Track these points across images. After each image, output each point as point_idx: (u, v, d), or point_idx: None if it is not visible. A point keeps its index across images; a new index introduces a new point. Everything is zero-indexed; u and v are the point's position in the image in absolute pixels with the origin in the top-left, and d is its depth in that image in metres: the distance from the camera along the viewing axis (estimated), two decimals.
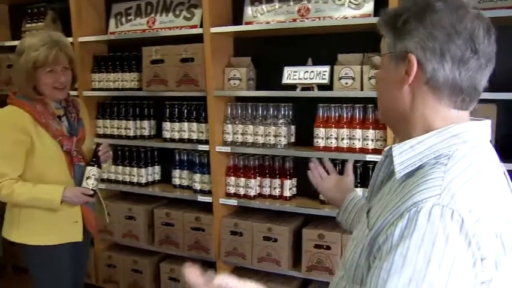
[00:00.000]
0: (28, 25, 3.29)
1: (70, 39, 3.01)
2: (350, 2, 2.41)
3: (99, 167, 2.10)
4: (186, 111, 2.85)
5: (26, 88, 1.95)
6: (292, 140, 2.67)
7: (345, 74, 2.37)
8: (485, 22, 0.88)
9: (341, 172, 1.53)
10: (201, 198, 2.83)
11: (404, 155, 0.90)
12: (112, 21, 3.14)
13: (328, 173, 1.53)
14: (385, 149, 0.98)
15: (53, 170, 2.00)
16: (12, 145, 1.93)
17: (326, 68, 2.45)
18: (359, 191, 2.40)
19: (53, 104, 2.04)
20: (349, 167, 1.49)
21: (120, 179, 3.15)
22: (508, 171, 0.95)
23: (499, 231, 0.79)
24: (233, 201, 2.74)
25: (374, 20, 2.26)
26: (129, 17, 3.08)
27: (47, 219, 2.00)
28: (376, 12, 2.33)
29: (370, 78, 2.31)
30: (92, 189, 2.04)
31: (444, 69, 0.86)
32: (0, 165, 1.92)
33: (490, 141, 0.94)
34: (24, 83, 1.94)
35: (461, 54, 0.86)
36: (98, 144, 2.16)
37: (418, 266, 0.74)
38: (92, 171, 2.05)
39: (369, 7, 2.36)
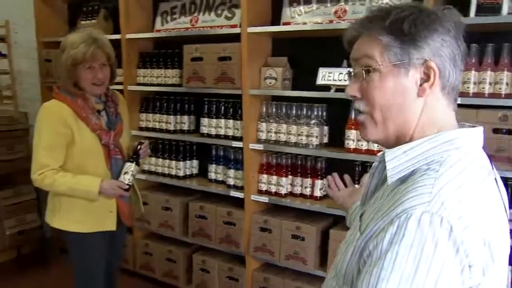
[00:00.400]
0: (83, 22, 3.49)
1: (118, 36, 3.19)
2: (386, 4, 2.38)
3: (138, 164, 2.20)
4: (223, 108, 2.93)
5: (68, 83, 2.07)
6: (325, 140, 2.68)
7: None
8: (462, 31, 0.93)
9: None
10: (233, 193, 2.90)
11: (397, 160, 0.90)
12: (158, 19, 3.27)
13: (345, 186, 1.57)
14: (379, 154, 0.98)
15: (91, 161, 2.11)
16: (54, 137, 2.03)
17: None
18: None
19: (93, 98, 2.14)
20: (365, 178, 1.53)
21: (160, 171, 3.28)
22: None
23: (487, 238, 0.80)
24: (264, 198, 2.79)
25: None
26: (174, 16, 3.20)
27: (85, 208, 2.11)
28: None
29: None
30: (127, 184, 2.14)
31: (455, 73, 0.90)
32: (43, 156, 2.04)
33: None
34: (65, 78, 2.06)
35: (461, 58, 0.91)
36: (140, 143, 2.24)
37: (407, 272, 0.76)
38: (130, 167, 2.15)
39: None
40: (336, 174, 1.61)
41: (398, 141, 0.94)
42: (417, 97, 0.90)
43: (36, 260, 3.72)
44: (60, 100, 2.08)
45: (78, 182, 2.05)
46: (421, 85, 0.89)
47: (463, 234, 0.77)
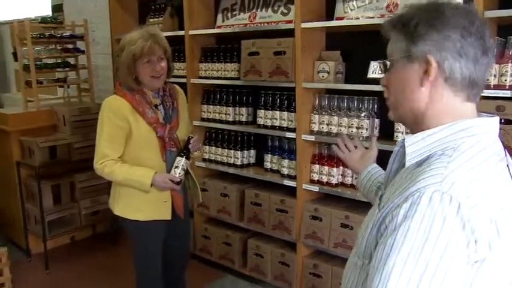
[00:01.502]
0: (151, 20, 3.75)
1: (182, 33, 3.42)
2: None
3: (188, 158, 2.28)
4: (278, 100, 3.06)
5: (128, 79, 2.20)
6: (376, 133, 2.73)
7: None
8: (488, 26, 0.99)
9: None
10: (286, 182, 3.03)
11: (415, 146, 1.00)
12: (219, 16, 3.46)
13: (355, 147, 1.69)
14: (399, 139, 1.08)
15: (147, 153, 2.24)
16: (114, 130, 2.19)
17: None
18: None
19: (150, 94, 2.27)
20: (374, 140, 1.68)
21: (219, 159, 3.48)
22: None
23: (494, 216, 0.87)
24: (315, 188, 2.89)
25: None
26: (234, 12, 3.36)
27: (141, 197, 2.25)
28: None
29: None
30: (179, 178, 2.24)
31: (461, 66, 0.96)
32: (103, 147, 2.20)
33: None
34: (126, 74, 2.19)
35: (474, 52, 0.96)
36: (190, 137, 2.32)
37: (416, 244, 0.84)
38: (180, 161, 2.25)
39: (458, 1, 2.31)
40: (345, 136, 1.74)
41: (415, 126, 1.04)
42: (420, 87, 0.99)
43: (109, 238, 4.07)
44: (120, 95, 2.23)
45: (133, 173, 2.20)
46: (422, 77, 0.99)
47: (470, 212, 0.84)
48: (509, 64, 2.13)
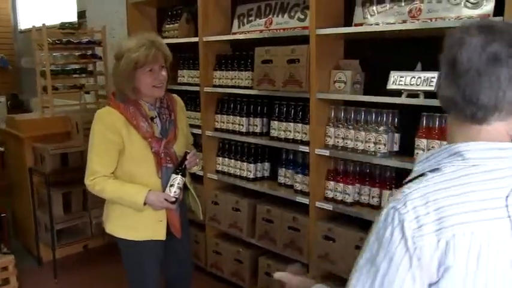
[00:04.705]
0: (167, 26, 3.66)
1: (196, 39, 3.29)
2: (467, 1, 2.17)
3: (184, 175, 2.13)
4: (292, 111, 2.88)
5: (126, 88, 2.05)
6: (395, 148, 2.51)
7: None
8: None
9: None
10: (299, 199, 2.84)
11: (418, 164, 1.01)
12: (235, 22, 3.32)
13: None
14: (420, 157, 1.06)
15: (141, 169, 2.10)
16: (105, 144, 2.06)
17: (434, 75, 2.24)
18: None
19: (146, 106, 2.13)
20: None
21: (232, 172, 3.32)
22: None
23: (444, 240, 0.86)
24: (329, 206, 2.69)
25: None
26: (250, 18, 3.22)
27: (135, 216, 2.12)
28: (496, 12, 2.06)
29: None
30: (174, 197, 2.10)
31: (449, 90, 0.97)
32: (94, 163, 2.08)
33: None
34: (125, 84, 2.04)
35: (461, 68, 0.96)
36: (187, 153, 2.17)
37: (373, 251, 0.92)
38: (176, 179, 2.10)
39: (489, 6, 2.09)
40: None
41: None
42: None
43: None
44: (113, 107, 2.09)
45: (125, 191, 2.07)
46: None
47: (414, 232, 0.88)
48: None
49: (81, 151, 3.62)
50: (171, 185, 2.10)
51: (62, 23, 4.13)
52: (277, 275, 1.27)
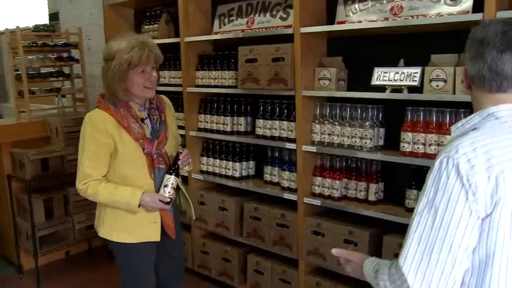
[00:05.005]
0: (146, 27, 3.63)
1: (178, 39, 3.28)
2: None
3: (177, 175, 2.13)
4: (277, 109, 2.91)
5: (118, 89, 2.02)
6: (381, 143, 2.57)
7: (436, 76, 2.22)
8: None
9: None
10: (287, 195, 2.87)
11: (455, 131, 1.25)
12: (216, 22, 3.32)
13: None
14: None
15: (134, 171, 2.08)
16: (97, 147, 2.03)
17: (417, 70, 2.32)
18: None
19: (136, 107, 2.11)
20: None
21: (217, 171, 3.33)
22: None
23: (494, 176, 1.08)
24: (317, 201, 2.73)
25: (472, 17, 2.09)
26: (231, 18, 3.23)
27: (128, 218, 2.10)
28: (475, 8, 2.13)
29: (463, 81, 2.13)
30: (168, 197, 2.10)
31: (476, 67, 1.22)
32: (86, 166, 2.04)
33: None
34: (116, 85, 2.01)
35: (486, 49, 1.23)
36: (179, 153, 2.16)
37: (430, 197, 1.13)
38: (169, 180, 2.09)
39: (468, 3, 2.17)
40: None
41: None
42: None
43: (106, 253, 3.91)
44: (103, 109, 2.06)
45: (119, 193, 2.05)
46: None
47: (469, 171, 1.08)
48: None
49: (62, 156, 3.56)
50: (165, 186, 2.10)
51: (36, 25, 4.03)
52: (334, 250, 1.50)
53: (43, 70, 3.95)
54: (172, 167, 2.13)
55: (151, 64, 2.08)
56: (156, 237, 2.18)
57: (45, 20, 5.60)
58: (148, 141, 2.09)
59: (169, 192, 2.10)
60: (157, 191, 2.12)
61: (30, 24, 4.90)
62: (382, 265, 1.27)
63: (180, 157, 2.15)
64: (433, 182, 1.12)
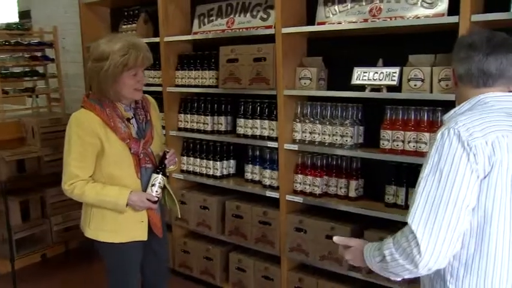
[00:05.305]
0: (124, 26, 3.60)
1: (157, 39, 3.28)
2: (423, 1, 2.33)
3: (164, 174, 2.14)
4: (258, 108, 2.95)
5: (109, 91, 2.02)
6: (361, 140, 2.65)
7: (414, 75, 2.30)
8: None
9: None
10: (269, 193, 2.92)
11: (448, 117, 1.42)
12: (196, 22, 3.33)
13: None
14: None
15: (121, 171, 2.08)
16: (83, 148, 2.02)
17: (396, 70, 2.40)
18: None
19: (122, 107, 2.10)
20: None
21: (198, 170, 3.34)
22: None
23: (490, 141, 1.25)
24: (299, 199, 2.79)
25: (448, 19, 2.18)
26: (211, 18, 3.25)
27: (115, 218, 2.10)
28: (451, 11, 2.23)
29: (440, 80, 2.23)
30: (156, 196, 2.11)
31: (463, 67, 1.41)
32: (72, 166, 2.03)
33: None
34: (108, 86, 2.01)
35: (474, 52, 1.43)
36: (166, 152, 2.17)
37: (434, 162, 1.27)
38: (157, 179, 2.10)
39: (443, 6, 2.26)
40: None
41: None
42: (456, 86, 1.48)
43: (83, 255, 3.87)
44: (88, 109, 2.05)
45: (107, 193, 2.05)
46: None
47: (468, 137, 1.25)
48: None
49: (39, 157, 3.50)
50: (153, 185, 2.11)
51: (8, 23, 3.94)
52: (336, 238, 1.58)
53: (16, 69, 3.87)
54: (160, 166, 2.14)
55: (144, 66, 2.09)
56: (144, 236, 2.18)
57: (14, 18, 5.47)
58: (134, 140, 2.09)
59: (156, 192, 2.11)
60: (144, 190, 2.13)
61: (2, 22, 4.81)
62: (385, 241, 1.36)
63: (167, 156, 2.16)
64: (437, 149, 1.27)
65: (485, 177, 1.24)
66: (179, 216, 2.48)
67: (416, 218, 1.25)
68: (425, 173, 1.27)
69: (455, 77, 1.44)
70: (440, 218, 1.23)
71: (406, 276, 1.35)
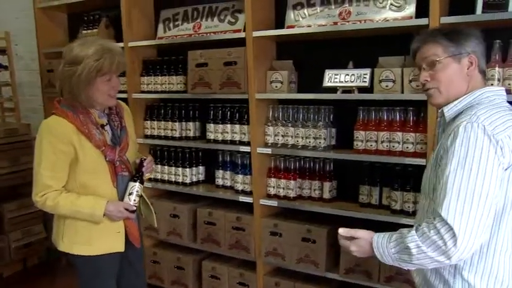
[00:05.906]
0: (84, 32, 3.48)
1: (121, 44, 3.18)
2: (391, 4, 2.40)
3: (142, 182, 2.08)
4: (229, 113, 2.92)
5: (81, 96, 1.94)
6: (333, 142, 2.68)
7: (386, 76, 2.36)
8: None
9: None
10: (242, 198, 2.89)
11: (451, 109, 1.48)
12: (160, 27, 3.27)
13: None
14: (439, 112, 1.54)
15: (96, 180, 2.00)
16: (56, 156, 1.93)
17: (367, 71, 2.45)
18: (398, 194, 2.38)
19: (96, 113, 2.03)
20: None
21: (166, 178, 3.26)
22: None
23: (509, 135, 1.34)
24: (273, 202, 2.78)
25: (415, 22, 2.25)
26: (177, 22, 3.20)
27: (90, 230, 2.02)
28: (418, 14, 2.30)
29: (410, 81, 2.29)
30: (134, 205, 2.05)
31: (483, 62, 1.52)
32: (44, 177, 1.94)
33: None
34: (81, 91, 1.93)
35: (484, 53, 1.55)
36: (143, 159, 2.12)
37: (461, 156, 1.32)
38: (134, 187, 2.05)
39: (411, 9, 2.34)
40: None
41: (454, 100, 1.49)
42: (466, 76, 1.48)
43: (43, 272, 3.69)
44: (60, 116, 1.96)
45: (82, 204, 1.96)
46: (468, 68, 1.47)
47: (493, 131, 1.32)
48: (496, 69, 2.08)
49: None
50: (130, 193, 2.04)
51: None
52: (342, 229, 1.56)
53: None
54: (137, 174, 2.08)
55: (119, 72, 2.02)
56: (121, 247, 2.10)
57: None
58: (110, 148, 2.02)
59: (134, 200, 2.04)
60: (121, 199, 2.05)
61: None
62: (404, 233, 1.39)
63: (145, 163, 2.10)
64: (461, 143, 1.31)
65: (507, 167, 1.32)
66: (155, 226, 2.41)
67: (451, 211, 1.29)
68: (453, 167, 1.31)
69: (478, 66, 1.48)
70: (474, 210, 1.28)
71: (430, 267, 1.38)
